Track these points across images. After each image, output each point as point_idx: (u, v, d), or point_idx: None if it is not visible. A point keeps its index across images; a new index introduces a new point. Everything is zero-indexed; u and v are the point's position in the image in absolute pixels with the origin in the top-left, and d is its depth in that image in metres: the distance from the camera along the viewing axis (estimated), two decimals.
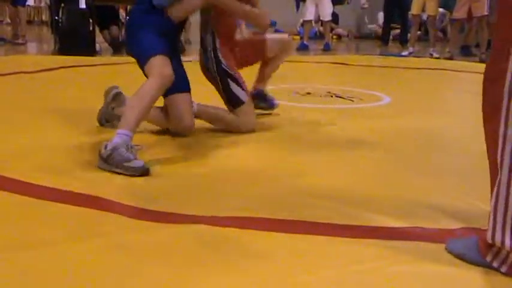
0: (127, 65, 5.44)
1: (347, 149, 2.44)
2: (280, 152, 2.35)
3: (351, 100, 3.61)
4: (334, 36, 10.35)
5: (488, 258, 1.25)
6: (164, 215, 1.58)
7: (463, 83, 5.14)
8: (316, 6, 7.78)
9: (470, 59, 6.99)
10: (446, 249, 1.36)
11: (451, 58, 6.91)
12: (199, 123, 2.54)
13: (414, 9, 7.42)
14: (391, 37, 9.55)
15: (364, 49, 8.95)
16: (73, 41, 6.07)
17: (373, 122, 3.04)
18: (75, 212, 1.60)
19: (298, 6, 8.17)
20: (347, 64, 6.03)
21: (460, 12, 6.78)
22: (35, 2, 12.44)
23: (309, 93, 3.80)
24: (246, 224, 1.53)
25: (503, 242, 1.20)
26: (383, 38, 9.29)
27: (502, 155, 1.20)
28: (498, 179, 1.21)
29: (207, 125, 2.64)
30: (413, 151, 2.43)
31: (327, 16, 7.92)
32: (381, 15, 10.73)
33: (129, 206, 1.65)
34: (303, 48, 7.77)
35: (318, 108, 3.44)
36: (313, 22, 8.52)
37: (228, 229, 1.48)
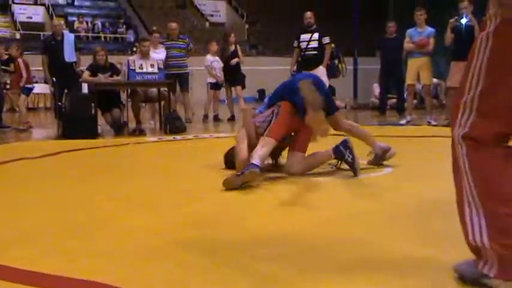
0: (128, 146, 5.52)
1: (349, 220, 2.40)
2: (287, 227, 2.31)
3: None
4: None
5: (480, 266, 1.41)
6: None
7: None
8: None
9: None
10: (454, 270, 1.53)
11: (449, 125, 6.98)
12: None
13: (409, 79, 7.62)
14: (388, 107, 9.73)
15: (362, 119, 9.08)
16: (76, 125, 6.19)
17: (375, 192, 3.02)
18: None
19: None
20: (345, 135, 6.07)
21: (453, 81, 6.94)
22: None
23: None
24: None
25: (482, 242, 1.39)
26: (380, 108, 9.46)
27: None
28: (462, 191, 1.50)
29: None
30: (417, 220, 2.39)
31: None
32: (375, 87, 11.00)
33: None
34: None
35: (319, 180, 3.43)
36: None
37: None
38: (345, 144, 3.50)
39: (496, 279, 1.38)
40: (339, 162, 3.58)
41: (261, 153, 3.23)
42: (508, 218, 1.39)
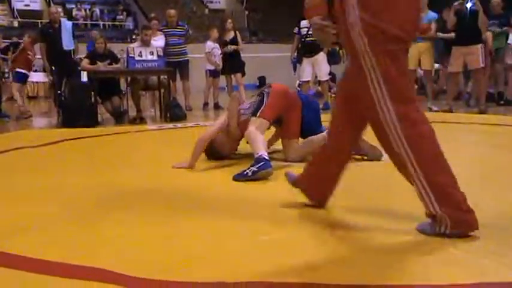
0: (128, 134, 5.51)
1: (349, 208, 2.39)
2: (286, 214, 2.30)
3: (353, 157, 3.59)
4: (333, 95, 10.49)
5: (437, 228, 1.87)
6: (171, 284, 1.52)
7: (463, 134, 5.14)
8: (313, 66, 7.94)
9: (469, 110, 7.04)
10: (417, 229, 1.95)
11: (450, 110, 6.96)
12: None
13: (410, 64, 7.54)
14: None
15: None
16: (76, 113, 6.17)
17: (375, 178, 3.02)
18: (81, 286, 1.55)
19: (295, 68, 8.34)
20: None
21: (455, 66, 6.90)
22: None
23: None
24: None
25: (435, 210, 1.84)
26: None
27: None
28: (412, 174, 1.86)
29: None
30: (418, 206, 2.38)
31: (324, 76, 8.06)
32: None
33: (136, 277, 1.58)
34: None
35: None
36: (310, 83, 8.66)
37: None
38: None
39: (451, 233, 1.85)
40: None
41: (262, 142, 3.19)
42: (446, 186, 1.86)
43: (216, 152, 3.61)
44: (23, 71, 7.86)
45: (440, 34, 7.46)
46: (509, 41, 7.70)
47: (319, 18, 1.91)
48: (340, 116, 2.11)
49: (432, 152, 1.86)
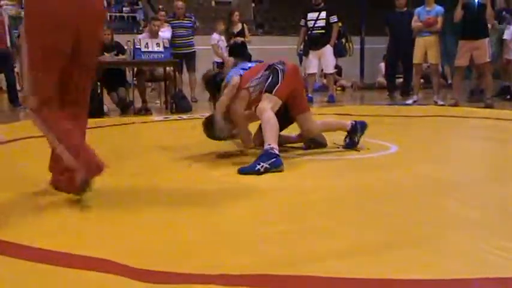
0: (133, 125, 5.54)
1: (355, 201, 2.41)
2: (291, 207, 2.32)
3: (357, 151, 3.60)
4: (339, 88, 10.47)
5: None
6: (174, 276, 1.54)
7: (469, 128, 5.13)
8: (319, 59, 7.93)
9: (475, 104, 7.01)
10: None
11: (455, 105, 6.93)
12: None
13: (416, 58, 7.52)
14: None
15: (368, 99, 9.02)
16: None
17: (380, 172, 3.02)
18: (83, 276, 1.57)
19: (301, 60, 8.33)
20: (351, 115, 6.04)
21: (462, 60, 6.86)
22: None
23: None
24: (258, 282, 1.49)
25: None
26: (389, 89, 9.20)
27: None
28: None
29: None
30: (423, 200, 2.39)
31: (330, 69, 8.05)
32: (383, 66, 10.87)
33: (138, 268, 1.60)
34: (307, 101, 7.84)
35: (324, 160, 3.43)
36: (316, 75, 8.65)
37: None
38: (362, 124, 3.66)
39: None
40: (347, 136, 3.67)
41: (276, 132, 3.11)
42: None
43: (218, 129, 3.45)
44: None
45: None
46: (505, 36, 7.62)
47: None
48: None
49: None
